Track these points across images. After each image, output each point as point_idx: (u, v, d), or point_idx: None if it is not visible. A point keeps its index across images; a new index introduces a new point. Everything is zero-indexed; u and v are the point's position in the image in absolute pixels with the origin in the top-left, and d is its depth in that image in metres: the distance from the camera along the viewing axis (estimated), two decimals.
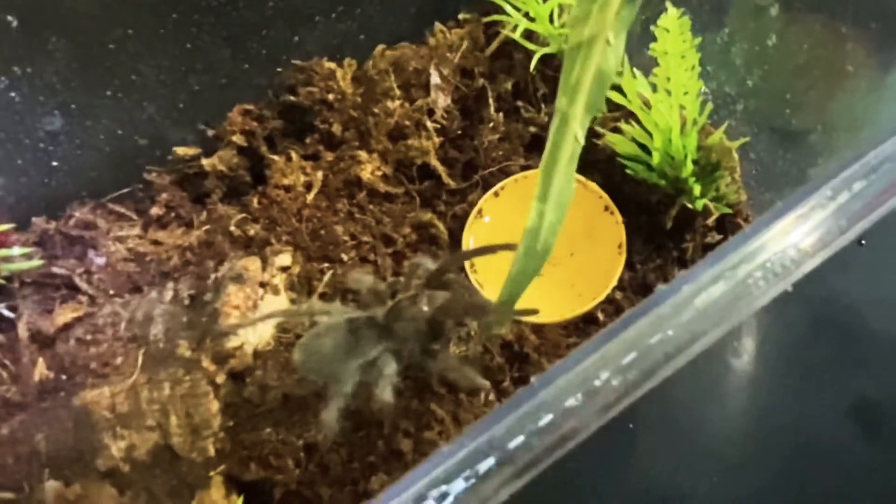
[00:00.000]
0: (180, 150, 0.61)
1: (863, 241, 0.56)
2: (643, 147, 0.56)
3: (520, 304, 0.56)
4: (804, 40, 0.52)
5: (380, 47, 0.64)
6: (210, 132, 0.62)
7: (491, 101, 0.63)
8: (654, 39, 0.50)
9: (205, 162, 0.60)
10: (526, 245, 0.41)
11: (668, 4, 0.49)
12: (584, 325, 0.56)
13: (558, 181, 0.40)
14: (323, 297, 0.54)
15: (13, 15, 0.49)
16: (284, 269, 0.55)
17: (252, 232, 0.57)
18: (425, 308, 0.46)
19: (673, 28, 0.49)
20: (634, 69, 0.55)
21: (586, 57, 0.38)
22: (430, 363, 0.47)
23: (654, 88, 0.53)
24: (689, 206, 0.56)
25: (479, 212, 0.59)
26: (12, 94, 0.53)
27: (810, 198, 0.32)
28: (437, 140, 0.60)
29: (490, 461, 0.29)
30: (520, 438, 0.30)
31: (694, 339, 0.30)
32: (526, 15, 0.61)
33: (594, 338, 0.31)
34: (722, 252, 0.31)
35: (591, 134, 0.60)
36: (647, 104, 0.55)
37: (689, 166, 0.55)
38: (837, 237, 0.31)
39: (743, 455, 0.54)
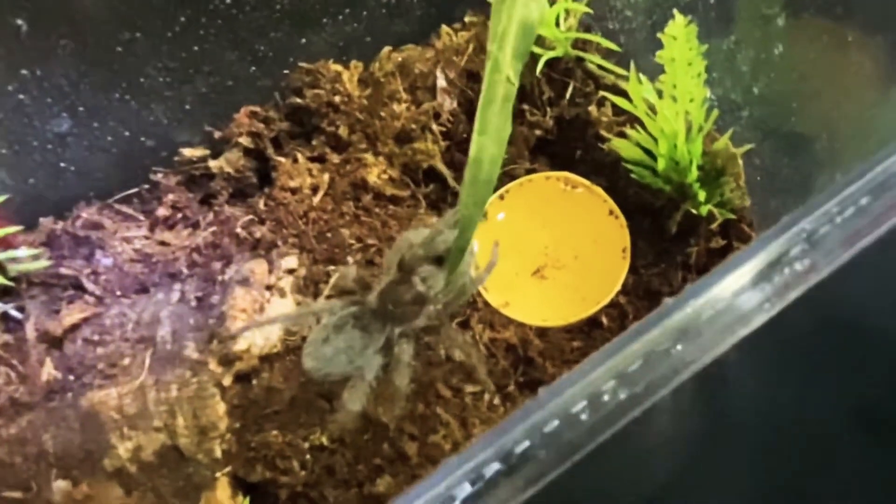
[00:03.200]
0: (187, 152, 0.62)
1: None
2: (648, 152, 0.57)
3: (523, 307, 0.57)
4: (811, 49, 0.52)
5: (386, 49, 0.64)
6: (217, 134, 0.62)
7: None
8: (660, 45, 0.50)
9: (211, 163, 0.61)
10: (471, 174, 0.46)
11: (675, 12, 0.49)
12: (589, 329, 0.57)
13: (495, 118, 0.44)
14: (328, 299, 0.54)
15: (22, 18, 0.49)
16: (291, 271, 0.55)
17: (258, 234, 0.57)
18: (420, 287, 0.47)
19: (680, 35, 0.49)
20: (640, 74, 0.55)
21: (511, 8, 0.42)
22: (434, 340, 0.49)
23: (660, 94, 0.54)
24: (694, 211, 0.56)
25: (484, 215, 0.59)
26: (21, 97, 0.53)
27: (817, 213, 0.33)
28: (443, 143, 0.61)
29: (497, 467, 0.30)
30: (527, 447, 0.30)
31: (701, 353, 0.31)
32: None
33: (602, 349, 0.32)
34: (729, 266, 0.32)
35: (597, 138, 0.61)
36: (652, 110, 0.55)
37: (694, 172, 0.55)
38: (844, 252, 0.32)
39: (746, 458, 0.54)
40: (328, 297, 0.54)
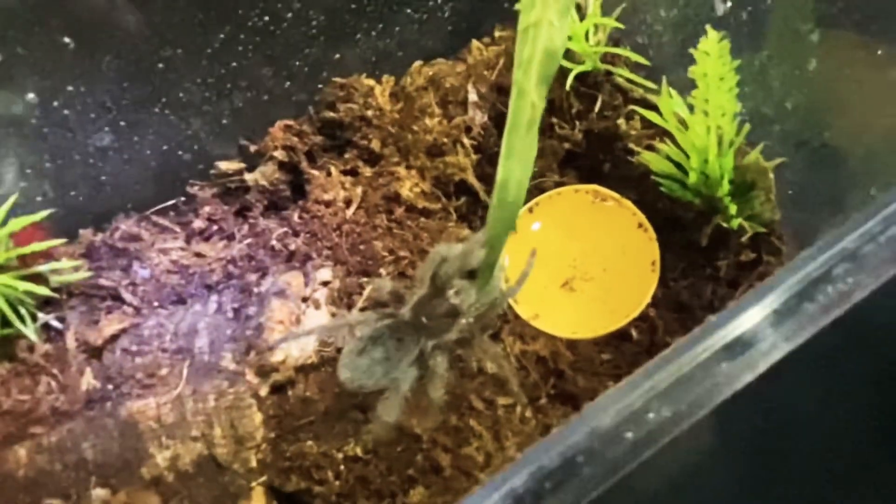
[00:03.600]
0: (223, 165, 0.63)
1: None
2: (678, 165, 0.57)
3: (553, 319, 0.57)
4: (844, 64, 0.52)
5: (416, 64, 0.65)
6: (252, 147, 0.63)
7: None
8: (690, 59, 0.50)
9: (247, 176, 0.62)
10: (499, 197, 0.47)
11: (708, 27, 0.49)
12: (618, 342, 0.57)
13: (520, 142, 0.45)
14: (363, 311, 0.55)
15: (70, 37, 0.51)
16: (325, 283, 0.56)
17: (293, 246, 0.58)
18: (453, 300, 0.48)
19: (713, 51, 0.50)
20: (671, 89, 0.56)
21: (535, 37, 0.43)
22: (467, 352, 0.50)
23: (691, 109, 0.54)
24: (724, 224, 0.56)
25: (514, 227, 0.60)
26: (66, 112, 0.54)
27: (858, 231, 0.33)
28: (474, 157, 0.61)
29: (541, 485, 0.30)
30: (571, 465, 0.30)
31: (745, 370, 0.31)
32: None
33: (644, 367, 0.32)
34: (770, 285, 0.32)
35: (625, 151, 0.61)
36: (683, 123, 0.55)
37: (725, 186, 0.55)
38: (887, 270, 0.32)
39: (790, 477, 0.53)
40: (362, 309, 0.55)
